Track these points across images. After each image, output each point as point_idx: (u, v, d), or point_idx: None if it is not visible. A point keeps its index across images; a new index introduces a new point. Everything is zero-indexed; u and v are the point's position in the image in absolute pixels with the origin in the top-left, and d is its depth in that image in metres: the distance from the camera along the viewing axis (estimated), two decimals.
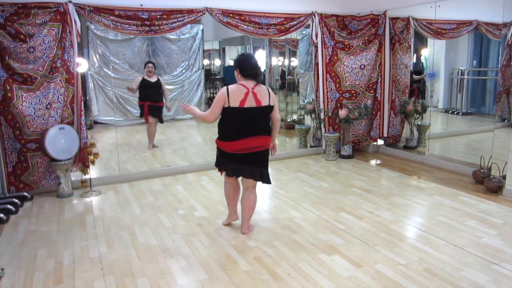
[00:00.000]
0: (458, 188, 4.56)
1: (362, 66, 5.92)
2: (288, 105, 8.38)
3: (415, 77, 6.39)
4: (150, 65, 6.45)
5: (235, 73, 3.25)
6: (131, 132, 7.85)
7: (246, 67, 3.18)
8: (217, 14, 5.17)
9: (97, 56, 8.01)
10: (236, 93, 3.13)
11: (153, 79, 6.43)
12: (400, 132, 6.32)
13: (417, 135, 6.21)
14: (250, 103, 3.15)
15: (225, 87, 3.17)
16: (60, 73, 4.41)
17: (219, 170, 3.47)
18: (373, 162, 5.87)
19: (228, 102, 3.11)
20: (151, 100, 6.42)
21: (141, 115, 6.55)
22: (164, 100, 6.60)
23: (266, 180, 3.35)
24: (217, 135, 3.33)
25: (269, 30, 5.53)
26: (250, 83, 3.18)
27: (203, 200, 4.33)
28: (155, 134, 6.72)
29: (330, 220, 3.73)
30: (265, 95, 3.21)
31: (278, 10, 5.55)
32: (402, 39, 5.87)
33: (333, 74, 5.93)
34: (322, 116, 6.04)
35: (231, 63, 9.18)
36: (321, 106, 6.01)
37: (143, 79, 6.38)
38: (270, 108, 3.26)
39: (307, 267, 2.89)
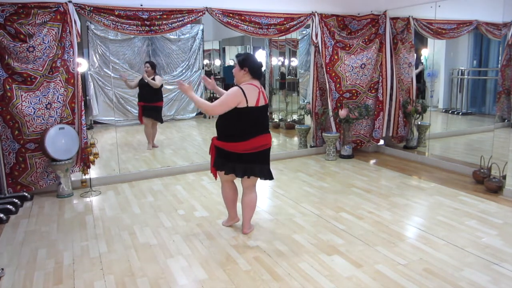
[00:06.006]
0: (458, 188, 4.56)
1: (363, 66, 5.92)
2: (288, 105, 8.38)
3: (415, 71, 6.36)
4: (147, 64, 6.47)
5: (241, 72, 3.21)
6: (131, 132, 7.84)
7: (255, 69, 3.22)
8: (217, 14, 5.17)
9: (97, 56, 8.00)
10: (251, 93, 3.14)
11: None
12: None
13: (417, 135, 6.21)
14: (262, 101, 3.20)
15: (238, 88, 3.13)
16: (60, 73, 4.41)
17: (219, 170, 3.34)
18: (373, 162, 5.87)
19: (247, 103, 3.11)
20: (144, 101, 6.45)
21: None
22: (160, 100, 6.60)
23: (271, 176, 3.37)
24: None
25: (269, 30, 5.53)
26: (257, 82, 3.24)
27: (203, 200, 4.33)
28: (155, 134, 6.72)
29: (330, 220, 3.73)
30: (265, 93, 3.30)
31: (278, 10, 5.55)
32: (403, 39, 5.88)
33: (333, 74, 5.93)
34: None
35: (231, 63, 9.17)
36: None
37: (141, 79, 6.43)
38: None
39: (307, 267, 2.89)
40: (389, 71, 5.94)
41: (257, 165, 3.26)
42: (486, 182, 4.43)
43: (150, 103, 6.46)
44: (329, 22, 5.86)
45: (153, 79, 6.41)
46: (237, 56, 3.26)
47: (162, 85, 6.55)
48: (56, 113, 4.45)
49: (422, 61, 6.52)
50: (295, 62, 8.26)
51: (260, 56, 8.41)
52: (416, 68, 6.32)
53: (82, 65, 4.75)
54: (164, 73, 8.61)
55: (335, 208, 4.03)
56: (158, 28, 4.88)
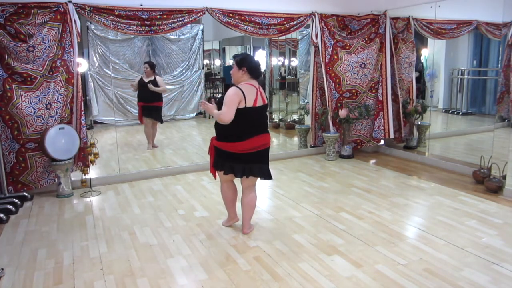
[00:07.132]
0: (458, 188, 4.56)
1: (363, 65, 5.92)
2: (288, 105, 8.38)
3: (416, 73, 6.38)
4: (146, 65, 6.48)
5: (239, 72, 3.20)
6: (131, 132, 7.84)
7: (255, 68, 3.22)
8: (217, 14, 5.17)
9: (97, 56, 8.00)
10: (249, 93, 3.14)
11: (147, 80, 6.43)
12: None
13: (417, 135, 6.20)
14: (260, 101, 3.20)
15: (236, 88, 3.13)
16: (60, 73, 4.41)
17: (219, 170, 3.36)
18: (373, 162, 5.87)
19: (245, 103, 3.11)
20: (143, 101, 6.46)
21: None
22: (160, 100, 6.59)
23: (270, 176, 3.38)
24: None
25: (269, 30, 5.54)
26: (255, 82, 3.23)
27: (203, 200, 4.33)
28: (155, 134, 6.72)
29: (330, 220, 3.73)
30: (264, 93, 3.30)
31: (278, 10, 5.55)
32: (403, 39, 5.87)
33: (333, 74, 5.93)
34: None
35: (231, 63, 9.17)
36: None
37: (140, 79, 6.45)
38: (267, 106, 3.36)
39: (307, 267, 2.89)
40: (389, 71, 5.94)
41: (256, 165, 3.27)
42: (486, 182, 4.43)
43: (150, 103, 6.48)
44: (329, 22, 5.86)
45: (154, 79, 6.40)
46: (235, 56, 3.27)
47: None
48: (56, 113, 4.45)
49: (422, 61, 6.52)
50: (295, 62, 8.26)
51: (260, 56, 8.42)
52: (418, 71, 6.33)
53: (82, 65, 4.76)
54: (164, 73, 8.62)
55: (335, 208, 4.03)
56: (158, 28, 4.88)
